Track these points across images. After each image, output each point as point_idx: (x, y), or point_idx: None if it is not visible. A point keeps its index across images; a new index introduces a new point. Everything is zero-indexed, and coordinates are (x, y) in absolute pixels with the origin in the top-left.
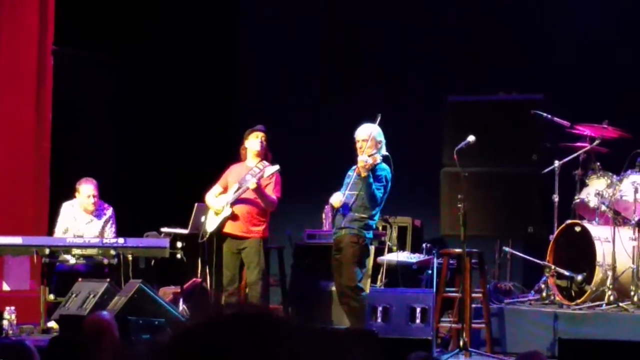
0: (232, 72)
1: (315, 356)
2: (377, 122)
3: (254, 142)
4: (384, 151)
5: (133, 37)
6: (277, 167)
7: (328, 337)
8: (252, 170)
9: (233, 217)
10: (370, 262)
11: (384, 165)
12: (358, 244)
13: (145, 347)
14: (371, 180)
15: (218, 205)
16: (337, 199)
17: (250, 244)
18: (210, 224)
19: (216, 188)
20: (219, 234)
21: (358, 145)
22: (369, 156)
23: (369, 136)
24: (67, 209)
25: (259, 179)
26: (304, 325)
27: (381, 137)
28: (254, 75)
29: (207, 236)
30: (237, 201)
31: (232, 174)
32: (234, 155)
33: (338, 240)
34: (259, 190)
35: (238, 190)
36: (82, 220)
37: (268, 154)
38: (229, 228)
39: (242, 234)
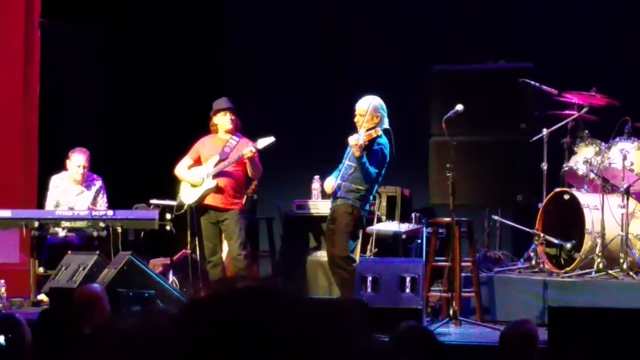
0: (220, 43)
1: (324, 328)
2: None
3: (222, 119)
4: (385, 124)
5: (120, 10)
6: (272, 138)
7: (333, 310)
8: (228, 142)
9: (217, 189)
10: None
11: (382, 139)
12: (352, 215)
13: (155, 318)
14: (364, 160)
15: (196, 178)
16: (329, 184)
17: (230, 216)
18: (188, 196)
19: (187, 160)
20: (199, 206)
21: (355, 119)
22: (368, 130)
23: (366, 110)
24: (57, 182)
25: (253, 146)
26: (310, 299)
27: (381, 111)
28: (242, 46)
29: (185, 208)
30: (219, 174)
31: (206, 147)
32: None
33: (333, 210)
34: (252, 159)
35: (220, 162)
36: (73, 192)
37: (238, 124)
38: (210, 200)
39: (223, 206)
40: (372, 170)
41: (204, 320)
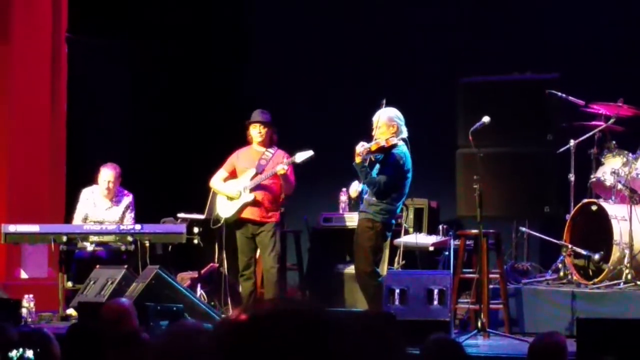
0: (246, 55)
1: (360, 346)
2: (383, 107)
3: (253, 132)
4: (403, 134)
5: (146, 23)
6: (310, 152)
7: (369, 328)
8: (264, 155)
9: (254, 202)
10: (387, 244)
11: (399, 149)
12: (373, 229)
13: (193, 336)
14: (364, 167)
15: (233, 191)
16: (354, 188)
17: (266, 229)
18: (224, 209)
19: (222, 172)
20: (236, 220)
21: (373, 132)
22: (385, 140)
23: (377, 122)
24: (87, 195)
25: (289, 164)
26: (343, 315)
27: (397, 120)
28: (267, 58)
29: (222, 222)
30: (257, 187)
31: (242, 159)
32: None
33: (357, 224)
34: (285, 175)
35: (257, 175)
36: (102, 206)
37: (273, 136)
38: (247, 213)
39: (260, 219)
40: (373, 179)
41: (244, 341)
